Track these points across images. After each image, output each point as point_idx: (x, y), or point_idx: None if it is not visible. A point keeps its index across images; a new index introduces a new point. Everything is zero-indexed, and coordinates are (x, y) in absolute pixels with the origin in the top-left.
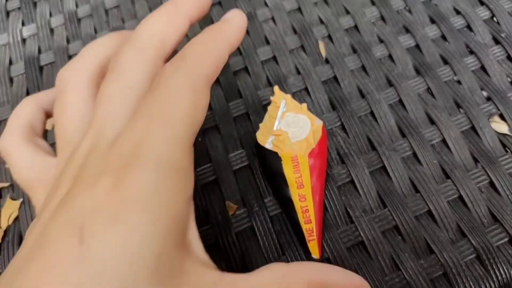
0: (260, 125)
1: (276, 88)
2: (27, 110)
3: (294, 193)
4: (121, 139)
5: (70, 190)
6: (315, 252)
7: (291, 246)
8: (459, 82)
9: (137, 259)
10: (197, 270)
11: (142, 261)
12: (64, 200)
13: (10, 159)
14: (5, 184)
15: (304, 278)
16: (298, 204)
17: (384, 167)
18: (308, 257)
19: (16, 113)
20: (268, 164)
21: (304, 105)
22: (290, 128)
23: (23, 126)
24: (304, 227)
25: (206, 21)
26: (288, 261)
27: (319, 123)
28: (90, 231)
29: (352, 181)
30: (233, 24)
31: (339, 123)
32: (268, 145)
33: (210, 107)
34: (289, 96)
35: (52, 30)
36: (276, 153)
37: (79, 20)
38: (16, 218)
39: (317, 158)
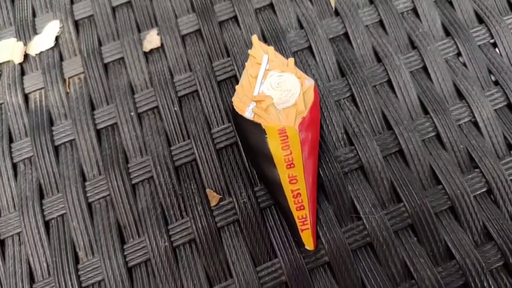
0: (237, 87)
1: (254, 37)
2: None
3: (283, 174)
4: None
5: None
6: (309, 243)
7: (285, 246)
8: (496, 46)
9: None
10: None
11: None
12: None
13: None
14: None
15: None
16: (288, 188)
17: (401, 151)
18: (301, 248)
19: None
20: (249, 138)
21: (291, 60)
22: (275, 92)
23: None
24: (296, 214)
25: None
26: (281, 266)
27: (309, 83)
28: None
29: (362, 168)
30: None
31: (348, 94)
32: (248, 114)
33: (188, 68)
34: (271, 48)
35: None
36: (258, 125)
37: None
38: None
39: (309, 129)
